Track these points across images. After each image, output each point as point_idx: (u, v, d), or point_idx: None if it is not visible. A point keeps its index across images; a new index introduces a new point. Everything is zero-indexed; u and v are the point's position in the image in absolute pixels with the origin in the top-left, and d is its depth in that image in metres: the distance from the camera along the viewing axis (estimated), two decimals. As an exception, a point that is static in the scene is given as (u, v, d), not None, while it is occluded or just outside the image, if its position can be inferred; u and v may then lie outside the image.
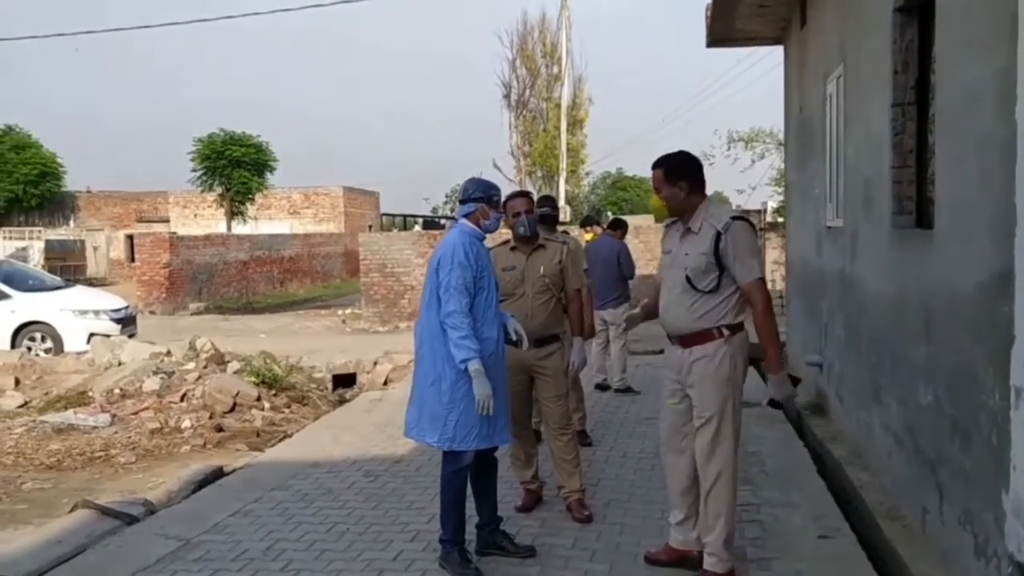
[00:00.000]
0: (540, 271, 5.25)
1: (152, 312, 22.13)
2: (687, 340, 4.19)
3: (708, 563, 4.15)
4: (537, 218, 5.43)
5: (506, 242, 5.42)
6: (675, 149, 4.34)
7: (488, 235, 4.59)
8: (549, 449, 5.37)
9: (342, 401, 10.02)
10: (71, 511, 5.65)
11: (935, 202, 4.45)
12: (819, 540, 4.78)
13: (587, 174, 46.87)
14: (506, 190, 5.31)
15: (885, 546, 4.69)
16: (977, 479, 3.70)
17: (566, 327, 5.54)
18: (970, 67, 3.83)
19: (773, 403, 4.43)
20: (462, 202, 4.60)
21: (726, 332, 4.11)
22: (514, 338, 4.64)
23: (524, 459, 5.39)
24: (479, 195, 4.55)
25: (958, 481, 3.96)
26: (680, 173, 4.23)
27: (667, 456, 4.46)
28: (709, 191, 4.43)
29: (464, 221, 4.54)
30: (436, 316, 4.35)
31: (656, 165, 4.29)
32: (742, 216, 4.24)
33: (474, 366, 4.21)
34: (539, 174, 41.18)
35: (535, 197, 5.84)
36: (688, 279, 4.15)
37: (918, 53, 5.09)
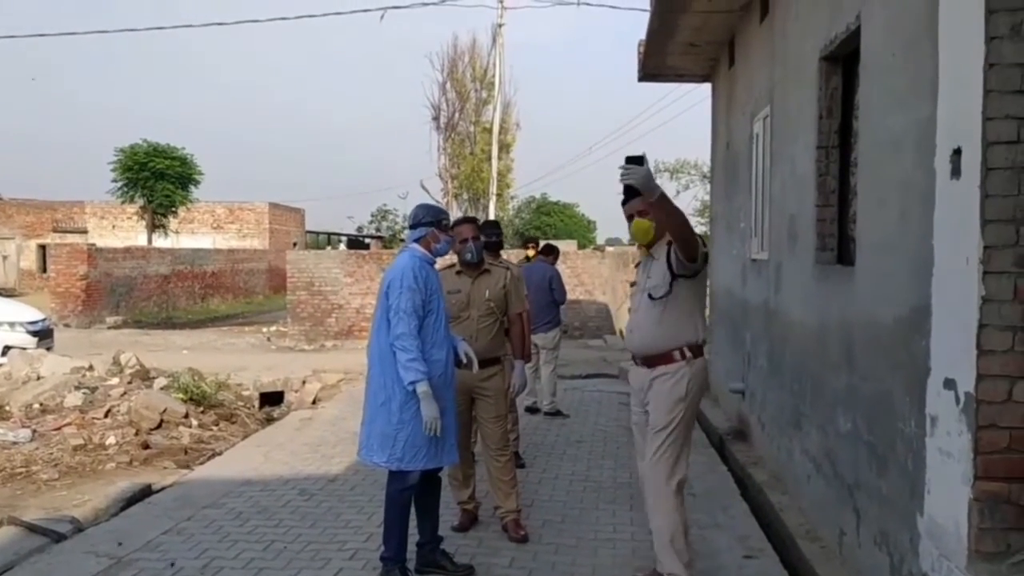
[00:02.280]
0: (486, 295, 5.39)
1: (67, 325, 21.47)
2: (651, 360, 4.37)
3: (658, 565, 4.35)
4: (483, 244, 5.56)
5: (452, 266, 5.54)
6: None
7: (438, 259, 4.71)
8: (487, 470, 5.47)
9: (270, 419, 9.95)
10: (-4, 528, 5.53)
11: (856, 240, 4.74)
12: (744, 560, 5.00)
13: (512, 198, 47.24)
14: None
15: (804, 565, 4.93)
16: (893, 502, 3.94)
17: (507, 350, 5.68)
18: (892, 116, 4.12)
19: (635, 159, 3.89)
20: (412, 227, 4.72)
21: (688, 354, 4.31)
22: (464, 360, 4.76)
23: (461, 479, 5.49)
24: (429, 220, 4.68)
25: (875, 504, 4.21)
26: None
27: (642, 482, 4.58)
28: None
29: (414, 245, 4.66)
30: (386, 338, 4.44)
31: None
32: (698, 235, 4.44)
33: (422, 388, 4.31)
34: (465, 196, 41.37)
35: (475, 221, 5.90)
36: (649, 295, 4.35)
37: (842, 100, 5.40)
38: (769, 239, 7.06)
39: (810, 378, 5.56)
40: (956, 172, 3.24)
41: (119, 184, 34.41)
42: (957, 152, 3.23)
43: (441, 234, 4.70)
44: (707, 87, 11.51)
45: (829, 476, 5.04)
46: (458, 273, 5.48)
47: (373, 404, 4.51)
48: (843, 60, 5.29)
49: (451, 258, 5.55)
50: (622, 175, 3.86)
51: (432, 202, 33.36)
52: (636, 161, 3.79)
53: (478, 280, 5.43)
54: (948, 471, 3.29)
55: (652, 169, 4.00)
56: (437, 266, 4.75)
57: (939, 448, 3.38)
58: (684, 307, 4.32)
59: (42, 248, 38.23)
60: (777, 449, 6.56)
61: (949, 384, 3.28)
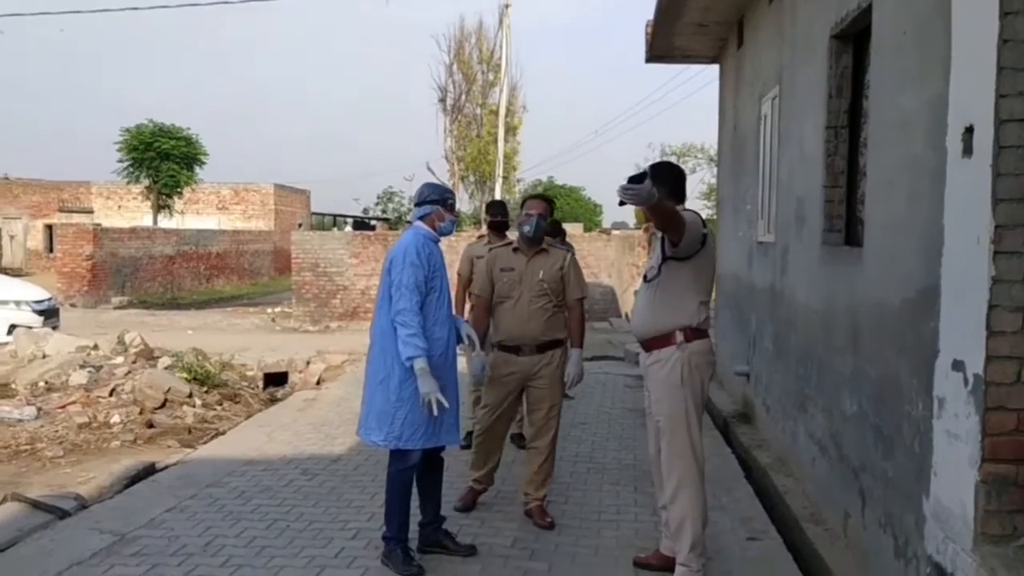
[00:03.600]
0: (539, 275, 5.22)
1: (73, 305, 21.53)
2: (648, 343, 4.35)
3: (678, 572, 4.22)
4: (548, 225, 5.38)
5: (509, 243, 5.45)
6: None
7: (442, 238, 4.68)
8: (526, 455, 5.40)
9: (274, 400, 9.95)
10: (0, 504, 5.53)
11: (865, 221, 4.69)
12: (748, 542, 4.99)
13: (519, 181, 47.10)
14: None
15: (808, 548, 4.91)
16: (899, 484, 3.91)
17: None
18: (903, 94, 4.06)
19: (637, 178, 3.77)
20: (418, 204, 4.68)
21: (680, 338, 4.24)
22: (466, 342, 4.73)
23: (485, 457, 5.41)
24: (435, 198, 4.64)
25: (880, 486, 4.18)
26: (658, 179, 4.37)
27: (653, 464, 4.55)
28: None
29: (419, 223, 4.63)
30: (387, 316, 4.41)
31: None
32: (689, 210, 4.36)
33: (419, 364, 4.28)
34: (472, 179, 41.23)
35: (545, 198, 5.66)
36: (644, 276, 4.33)
37: (852, 79, 5.34)
38: (776, 221, 7.01)
39: (816, 360, 5.53)
40: (968, 151, 3.19)
41: (125, 164, 34.41)
42: (969, 130, 3.18)
43: (446, 212, 4.66)
44: (715, 69, 11.43)
45: (834, 459, 5.01)
46: (515, 250, 5.34)
47: (372, 382, 4.49)
48: (854, 39, 5.23)
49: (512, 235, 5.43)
50: (623, 194, 3.79)
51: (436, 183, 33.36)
52: (638, 179, 3.78)
53: (534, 260, 5.27)
54: (955, 453, 3.26)
55: (661, 152, 4.01)
56: (492, 245, 4.69)
57: (946, 430, 3.35)
58: (677, 289, 4.26)
59: (49, 228, 38.25)
60: (782, 432, 6.54)
61: (957, 366, 3.24)
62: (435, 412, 4.32)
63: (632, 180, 3.73)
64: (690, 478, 4.25)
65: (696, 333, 4.28)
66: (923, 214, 3.66)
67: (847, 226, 5.39)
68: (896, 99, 4.17)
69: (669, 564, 4.33)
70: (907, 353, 3.83)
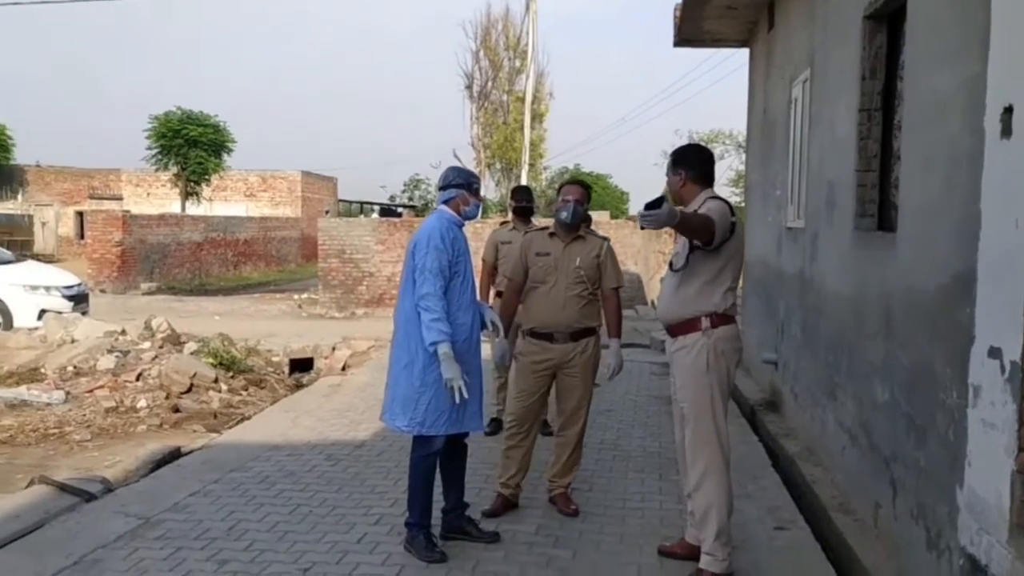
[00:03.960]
0: (576, 262, 5.09)
1: (103, 291, 21.75)
2: (673, 329, 4.28)
3: (703, 561, 4.15)
4: (585, 212, 5.27)
5: (545, 228, 5.35)
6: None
7: (466, 222, 4.63)
8: (555, 441, 5.32)
9: (299, 385, 9.96)
10: (27, 487, 5.57)
11: (899, 205, 4.58)
12: (775, 531, 4.91)
13: (546, 168, 46.94)
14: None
15: (837, 538, 4.83)
16: (932, 474, 3.82)
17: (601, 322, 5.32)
18: (939, 75, 3.95)
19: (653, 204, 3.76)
20: (442, 188, 4.63)
21: (706, 323, 4.16)
22: (490, 328, 4.68)
23: (518, 458, 5.16)
24: (460, 181, 4.59)
25: (912, 476, 4.09)
26: (680, 162, 4.35)
27: (678, 452, 4.49)
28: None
29: (443, 207, 4.58)
30: (411, 300, 4.37)
31: (671, 154, 4.44)
32: (720, 198, 4.27)
33: (443, 349, 4.24)
34: (498, 166, 41.14)
35: (583, 184, 5.49)
36: (671, 264, 4.26)
37: (886, 60, 5.22)
38: (806, 207, 6.90)
39: (846, 348, 5.42)
40: (1007, 131, 3.08)
41: (153, 152, 34.70)
42: (1008, 110, 3.06)
43: (471, 197, 4.61)
44: (744, 53, 11.27)
45: (864, 448, 4.92)
46: (551, 235, 5.21)
47: (396, 367, 4.45)
48: (888, 18, 5.10)
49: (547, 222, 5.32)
50: (643, 221, 3.82)
51: (464, 170, 33.29)
52: (656, 204, 3.77)
53: (570, 246, 5.15)
54: (990, 442, 3.16)
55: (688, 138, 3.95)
56: (521, 229, 4.62)
57: (981, 419, 3.25)
58: (704, 276, 4.18)
59: (80, 215, 38.68)
60: (810, 420, 6.44)
61: (994, 353, 3.14)
62: (458, 399, 4.29)
63: (650, 206, 3.74)
64: (715, 466, 4.17)
65: (722, 319, 4.20)
66: (959, 197, 3.56)
67: (880, 211, 5.27)
68: (932, 80, 4.06)
69: (694, 553, 4.26)
70: (941, 340, 3.73)
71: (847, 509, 5.11)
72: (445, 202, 4.59)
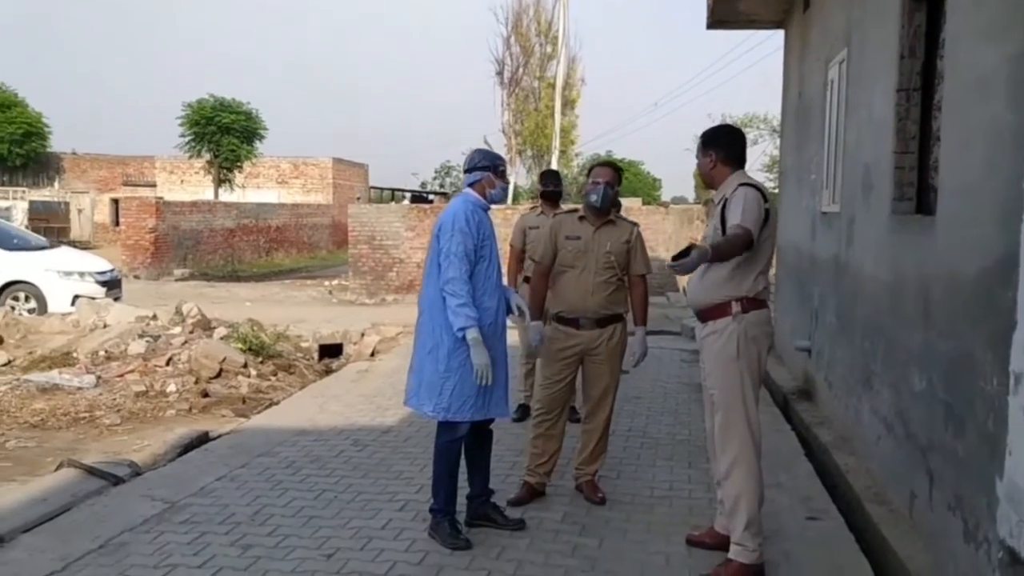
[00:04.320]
0: (606, 247, 4.99)
1: (136, 277, 21.97)
2: (703, 314, 4.18)
3: (733, 552, 4.05)
4: (616, 195, 5.15)
5: (575, 210, 5.24)
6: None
7: (492, 206, 4.55)
8: (581, 428, 5.24)
9: (328, 371, 9.98)
10: (56, 470, 5.60)
11: (938, 188, 4.44)
12: (807, 521, 4.81)
13: (577, 155, 46.68)
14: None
15: (871, 529, 4.72)
16: (970, 464, 3.70)
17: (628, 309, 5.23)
18: (980, 53, 3.81)
19: (683, 255, 3.88)
20: (467, 171, 4.55)
21: (736, 308, 4.05)
22: (516, 313, 4.61)
23: (542, 446, 5.08)
24: (485, 164, 4.51)
25: (950, 466, 3.97)
26: (711, 143, 4.26)
27: (708, 439, 4.41)
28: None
29: (468, 190, 4.51)
30: (436, 285, 4.31)
31: (701, 135, 4.34)
32: (753, 184, 4.14)
33: (472, 335, 4.17)
34: (529, 153, 40.98)
35: (614, 166, 5.33)
36: None
37: (925, 38, 5.06)
38: (842, 191, 6.75)
39: (882, 335, 5.29)
40: (1053, 107, 2.95)
41: (187, 139, 34.96)
42: (1055, 85, 2.94)
43: (497, 179, 4.53)
44: (779, 36, 11.06)
45: (900, 437, 4.79)
46: (580, 219, 5.09)
47: (421, 352, 4.39)
48: (928, -5, 4.95)
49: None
50: (673, 272, 3.92)
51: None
52: (684, 254, 3.85)
53: (600, 230, 5.03)
54: (1034, 432, 3.05)
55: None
56: (553, 213, 4.56)
57: (1023, 407, 3.13)
58: (735, 261, 4.05)
59: (115, 202, 39.08)
60: (845, 409, 6.31)
61: (1038, 339, 3.02)
62: (488, 383, 4.22)
63: (678, 257, 3.83)
64: (745, 454, 4.07)
65: (753, 303, 4.09)
66: (1002, 178, 3.43)
67: (918, 194, 5.13)
68: (973, 57, 3.92)
69: (723, 543, 4.17)
70: (982, 326, 3.60)
71: (882, 499, 4.99)
72: (470, 185, 4.51)
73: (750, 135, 29.55)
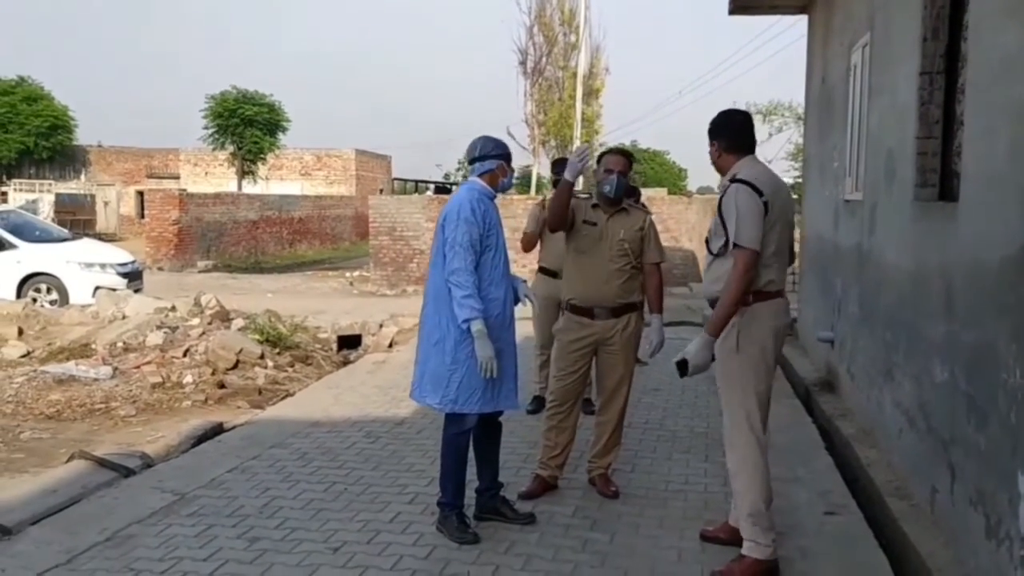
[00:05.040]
0: (620, 235, 4.91)
1: (160, 268, 22.09)
2: (711, 305, 4.07)
3: (745, 547, 3.96)
4: (627, 183, 5.08)
5: (588, 197, 5.13)
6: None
7: (500, 195, 4.47)
8: (595, 420, 5.16)
9: (346, 362, 9.96)
10: (67, 461, 5.60)
11: (961, 173, 4.30)
12: (825, 516, 4.70)
13: (601, 145, 46.43)
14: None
15: (891, 524, 4.61)
16: (992, 459, 3.59)
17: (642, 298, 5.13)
18: (1005, 34, 3.67)
19: (680, 363, 4.00)
20: (474, 160, 4.45)
21: None
22: (524, 304, 4.52)
23: (555, 438, 5.01)
24: (498, 152, 4.42)
25: (972, 461, 3.85)
26: (713, 132, 4.17)
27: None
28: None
29: (475, 179, 4.41)
30: (441, 274, 4.24)
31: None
32: (743, 179, 3.97)
33: (476, 327, 4.10)
34: (553, 143, 40.77)
35: (626, 154, 5.24)
36: (707, 240, 4.06)
37: (948, 20, 4.91)
38: (864, 178, 6.60)
39: (904, 325, 5.16)
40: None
41: (210, 131, 35.13)
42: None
43: (509, 168, 4.45)
44: (802, 22, 10.87)
45: (922, 430, 4.67)
46: (594, 206, 4.99)
47: (427, 343, 4.33)
48: (951, -25, 4.80)
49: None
50: (688, 372, 3.99)
51: (519, 149, 32.70)
52: (683, 363, 3.97)
53: (614, 218, 4.94)
54: (1058, 426, 2.93)
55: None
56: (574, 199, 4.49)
57: (1048, 401, 3.02)
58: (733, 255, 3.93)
59: (140, 194, 39.36)
60: (867, 401, 6.18)
61: (1063, 329, 2.90)
62: (493, 375, 4.15)
63: (680, 365, 3.96)
64: (745, 449, 3.97)
65: (758, 296, 3.95)
66: (1026, 163, 3.30)
67: (941, 180, 4.99)
68: (998, 38, 3.78)
69: (738, 537, 4.05)
70: (1006, 316, 3.48)
71: (903, 494, 4.87)
72: (482, 174, 4.42)
73: (775, 123, 29.23)
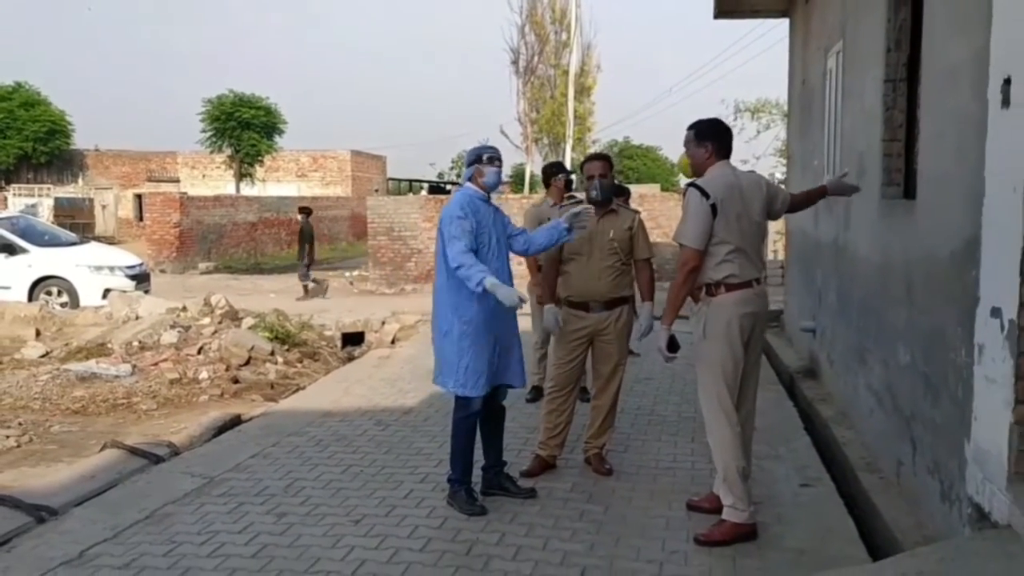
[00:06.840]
0: (610, 235, 5.31)
1: (162, 271, 22.42)
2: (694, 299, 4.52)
3: (725, 512, 4.36)
4: (612, 184, 5.53)
5: (579, 202, 5.60)
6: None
7: (494, 192, 4.93)
8: (591, 404, 5.58)
9: (351, 358, 10.38)
10: (100, 451, 6.00)
11: (919, 174, 4.73)
12: (800, 488, 5.13)
13: (594, 142, 46.70)
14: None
15: (862, 496, 5.03)
16: (944, 431, 4.01)
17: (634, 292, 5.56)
18: (952, 46, 4.09)
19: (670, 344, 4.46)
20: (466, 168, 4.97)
21: (703, 294, 4.39)
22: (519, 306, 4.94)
23: (553, 420, 5.41)
24: (471, 159, 4.92)
25: (929, 434, 4.28)
26: (709, 135, 4.49)
27: None
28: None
29: (468, 184, 4.90)
30: (443, 273, 4.71)
31: (691, 127, 4.55)
32: (694, 184, 4.40)
33: (488, 282, 4.42)
34: (545, 141, 41.07)
35: (605, 158, 5.68)
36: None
37: (910, 32, 5.33)
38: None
39: (875, 314, 5.59)
40: (1006, 101, 3.24)
41: (208, 134, 35.43)
42: (1007, 82, 3.22)
43: (486, 167, 4.85)
44: (787, 24, 11.28)
45: (889, 409, 5.10)
46: None
47: (438, 335, 4.80)
48: (912, -10, 5.22)
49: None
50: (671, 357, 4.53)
51: (512, 147, 32.93)
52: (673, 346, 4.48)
53: (604, 219, 5.34)
54: (992, 397, 3.35)
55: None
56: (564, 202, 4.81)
57: (985, 376, 3.44)
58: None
59: (138, 197, 39.62)
60: (844, 385, 6.61)
61: (995, 312, 3.32)
62: (520, 304, 4.52)
63: (671, 348, 4.44)
64: (718, 425, 4.37)
65: (719, 288, 4.34)
66: (969, 165, 3.71)
67: (906, 180, 5.41)
68: (946, 50, 4.20)
69: (721, 506, 4.49)
70: (953, 303, 3.91)
71: (873, 468, 5.30)
72: (469, 179, 4.91)
73: (762, 120, 29.68)
